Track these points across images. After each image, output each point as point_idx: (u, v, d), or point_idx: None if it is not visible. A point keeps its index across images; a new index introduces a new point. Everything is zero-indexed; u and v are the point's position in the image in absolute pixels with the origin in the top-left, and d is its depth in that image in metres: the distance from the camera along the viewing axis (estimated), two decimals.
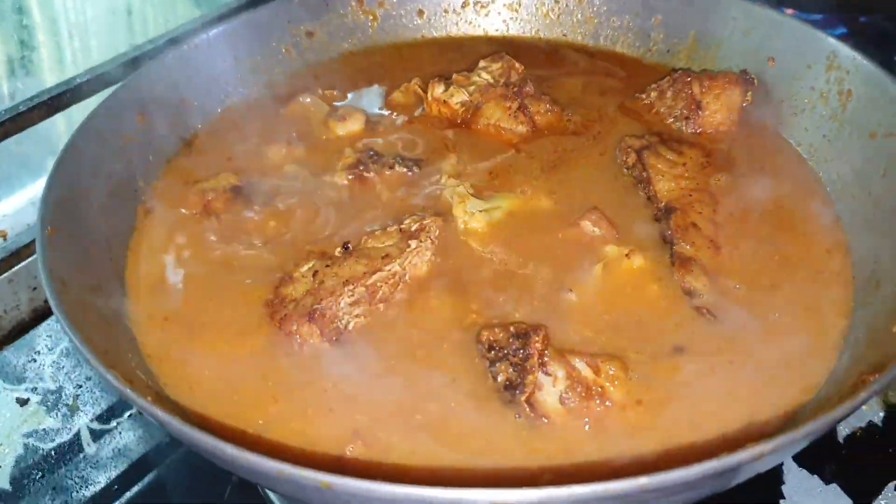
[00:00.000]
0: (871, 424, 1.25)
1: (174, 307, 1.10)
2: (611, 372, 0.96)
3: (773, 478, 1.18)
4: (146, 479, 1.20)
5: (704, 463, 0.65)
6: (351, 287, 1.04)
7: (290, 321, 1.02)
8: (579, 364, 0.96)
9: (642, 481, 0.63)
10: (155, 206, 1.25)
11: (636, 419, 0.93)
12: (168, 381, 1.00)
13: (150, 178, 1.28)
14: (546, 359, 0.96)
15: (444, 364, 1.00)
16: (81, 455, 1.22)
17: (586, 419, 0.93)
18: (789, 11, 2.09)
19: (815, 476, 1.18)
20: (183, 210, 1.24)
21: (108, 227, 1.16)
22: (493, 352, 0.98)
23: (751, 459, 0.67)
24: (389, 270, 1.08)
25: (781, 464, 1.20)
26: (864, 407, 1.27)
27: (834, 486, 1.17)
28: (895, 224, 1.07)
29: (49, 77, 1.81)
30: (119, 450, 1.24)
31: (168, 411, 0.78)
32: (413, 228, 1.15)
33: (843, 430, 1.24)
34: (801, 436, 0.70)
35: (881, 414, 1.26)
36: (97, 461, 1.22)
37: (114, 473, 1.21)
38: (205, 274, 1.15)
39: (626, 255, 1.12)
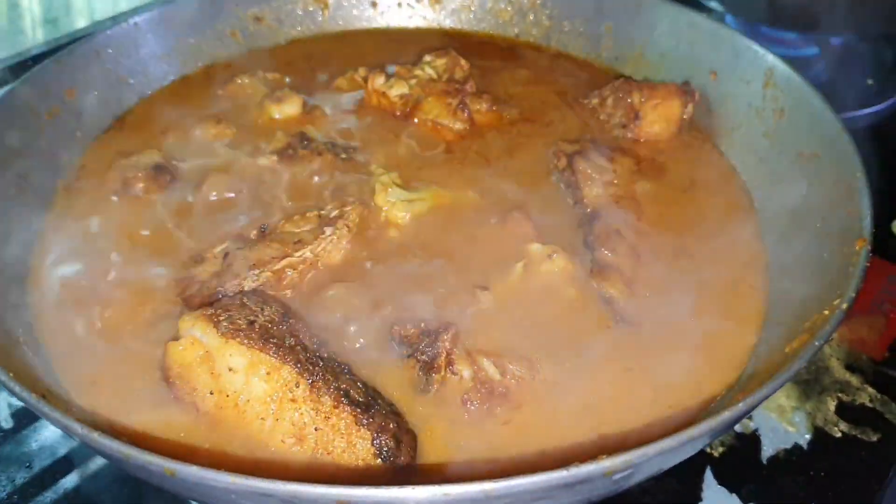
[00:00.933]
0: (796, 446, 1.24)
1: (80, 293, 1.08)
2: (517, 373, 0.96)
3: (692, 493, 1.17)
4: (60, 455, 1.19)
5: (536, 475, 0.65)
6: (256, 272, 1.02)
7: (193, 301, 1.01)
8: (486, 364, 0.96)
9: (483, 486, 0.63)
10: (74, 183, 1.24)
11: (533, 420, 0.93)
12: (64, 376, 0.99)
13: (75, 154, 1.27)
14: (453, 357, 0.96)
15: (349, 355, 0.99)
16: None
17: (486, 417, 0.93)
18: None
19: (734, 495, 1.17)
20: (104, 187, 1.22)
21: (22, 200, 1.15)
22: (403, 347, 0.98)
23: (594, 474, 0.66)
24: (300, 256, 1.06)
25: (702, 479, 1.20)
26: (790, 428, 1.27)
27: None
28: (808, 247, 1.07)
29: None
30: (36, 426, 1.22)
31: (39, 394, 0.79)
32: (332, 215, 1.13)
33: (767, 451, 1.23)
34: (652, 453, 0.69)
35: (807, 437, 1.26)
36: (13, 435, 1.21)
37: (28, 447, 1.20)
38: (116, 253, 1.13)
39: (549, 255, 1.11)
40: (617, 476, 0.69)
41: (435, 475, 0.86)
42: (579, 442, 0.90)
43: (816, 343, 0.81)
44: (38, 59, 1.47)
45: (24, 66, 1.46)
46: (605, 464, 0.65)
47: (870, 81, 2.01)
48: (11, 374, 0.82)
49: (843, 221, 1.02)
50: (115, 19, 1.43)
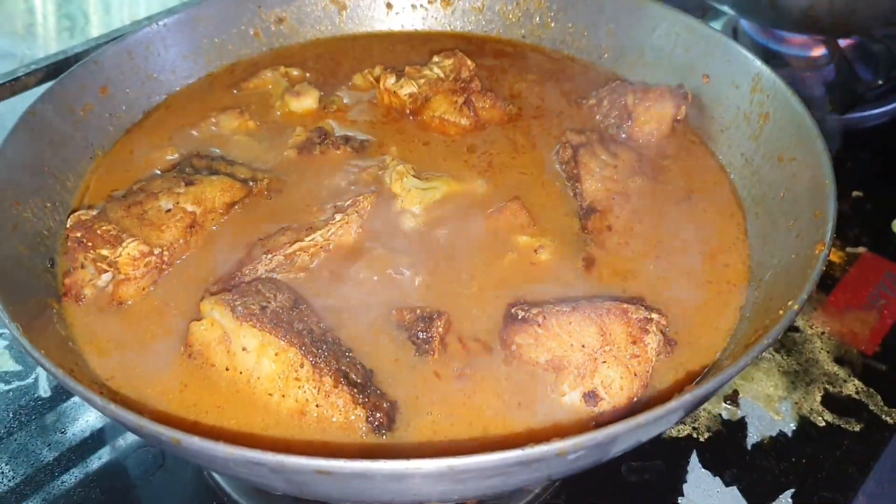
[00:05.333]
0: (780, 434, 1.31)
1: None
2: None
3: (676, 475, 1.25)
4: (91, 423, 1.30)
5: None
6: (269, 256, 1.11)
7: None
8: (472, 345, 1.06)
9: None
10: (105, 176, 1.33)
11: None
12: (92, 359, 1.06)
13: (108, 146, 1.36)
14: (447, 341, 1.05)
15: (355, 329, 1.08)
16: (37, 398, 1.34)
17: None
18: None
19: (717, 478, 1.25)
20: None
21: (55, 194, 1.24)
22: (402, 329, 1.07)
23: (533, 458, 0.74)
24: (311, 241, 1.14)
25: (687, 461, 1.28)
26: (776, 417, 1.33)
27: (733, 489, 1.23)
28: (785, 247, 1.12)
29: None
30: (70, 396, 1.35)
31: (66, 368, 0.88)
32: (346, 205, 1.22)
33: (753, 437, 1.31)
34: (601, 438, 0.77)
35: (792, 425, 1.32)
36: (51, 405, 1.34)
37: (64, 415, 1.32)
38: None
39: (536, 248, 1.18)
40: (572, 456, 0.76)
41: (411, 450, 0.93)
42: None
43: (765, 341, 0.86)
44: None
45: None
46: (557, 445, 0.73)
47: (879, 81, 2.04)
48: (43, 352, 0.90)
49: (811, 224, 1.07)
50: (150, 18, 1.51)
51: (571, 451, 0.75)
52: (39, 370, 1.38)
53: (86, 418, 1.31)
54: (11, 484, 1.21)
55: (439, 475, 0.75)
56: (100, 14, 2.02)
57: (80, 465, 1.24)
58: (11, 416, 1.31)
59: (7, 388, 1.35)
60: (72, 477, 1.22)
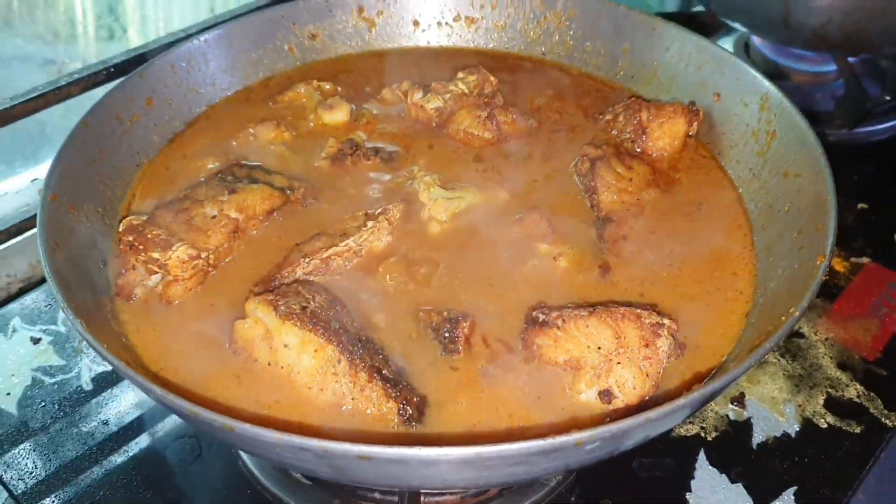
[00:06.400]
0: (784, 434, 1.36)
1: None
2: None
3: (684, 472, 1.30)
4: (131, 415, 1.38)
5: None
6: (307, 259, 1.19)
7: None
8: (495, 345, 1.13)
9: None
10: (150, 182, 1.39)
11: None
12: (143, 352, 1.12)
13: (152, 155, 1.43)
14: (472, 342, 1.12)
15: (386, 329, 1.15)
16: (80, 391, 1.42)
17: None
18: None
19: (724, 475, 1.30)
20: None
21: (105, 199, 1.31)
22: (429, 330, 1.13)
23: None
24: (344, 246, 1.22)
25: (695, 459, 1.34)
26: (780, 418, 1.39)
27: (739, 486, 1.28)
28: (789, 258, 1.17)
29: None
30: (111, 389, 1.42)
31: (124, 358, 0.95)
32: (377, 213, 1.29)
33: (758, 437, 1.36)
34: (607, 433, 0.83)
35: (796, 426, 1.38)
36: (93, 397, 1.41)
37: (105, 407, 1.40)
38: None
39: (555, 256, 1.25)
40: (589, 447, 0.83)
41: (441, 440, 1.00)
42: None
43: (767, 345, 0.92)
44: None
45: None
46: (575, 436, 0.80)
47: (887, 97, 2.11)
48: (105, 345, 0.96)
49: (813, 236, 1.13)
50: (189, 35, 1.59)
51: (588, 441, 0.82)
52: (81, 365, 1.46)
53: (126, 410, 1.38)
54: (57, 471, 1.29)
55: (468, 462, 0.82)
56: (137, 25, 2.11)
57: (122, 454, 1.31)
58: (56, 407, 1.39)
59: (52, 381, 1.43)
60: (113, 465, 1.30)
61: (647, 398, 1.04)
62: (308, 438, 0.81)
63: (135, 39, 2.12)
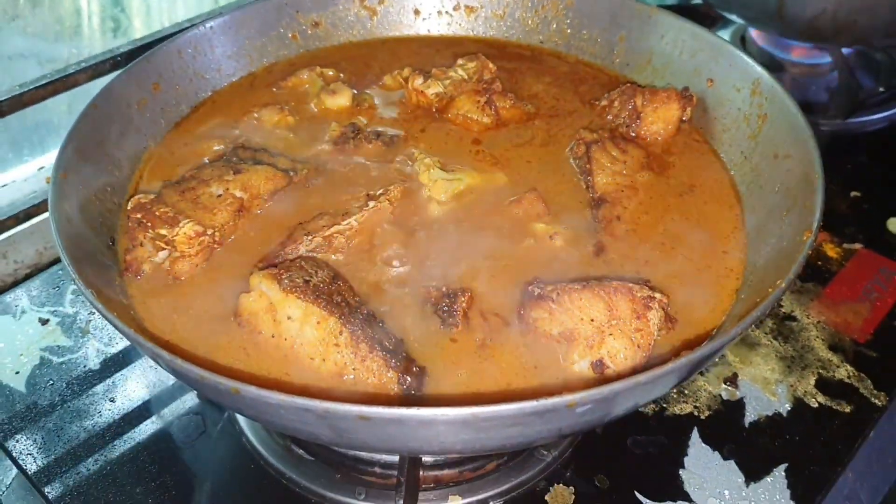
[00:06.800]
0: (776, 413, 1.39)
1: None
2: None
3: (678, 449, 1.34)
4: (137, 393, 1.42)
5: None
6: (310, 237, 1.22)
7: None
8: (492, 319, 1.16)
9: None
10: (157, 163, 1.43)
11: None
12: (151, 326, 1.15)
13: (159, 138, 1.47)
14: (469, 315, 1.16)
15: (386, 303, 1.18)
16: (87, 370, 1.45)
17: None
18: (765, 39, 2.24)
19: (716, 452, 1.33)
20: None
21: (113, 179, 1.34)
22: (428, 304, 1.17)
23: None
24: (346, 225, 1.25)
25: (688, 437, 1.38)
26: (772, 398, 1.42)
27: (731, 463, 1.32)
28: (778, 235, 1.20)
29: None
30: (118, 368, 1.46)
31: (133, 327, 0.98)
32: (378, 193, 1.32)
33: (750, 416, 1.39)
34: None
35: (787, 406, 1.41)
36: (100, 376, 1.45)
37: (112, 386, 1.43)
38: None
39: (551, 235, 1.28)
40: (580, 409, 0.86)
41: (438, 402, 1.03)
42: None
43: (755, 314, 0.95)
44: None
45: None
46: (567, 398, 0.83)
47: (881, 89, 2.14)
48: (115, 314, 0.99)
49: (801, 214, 1.16)
50: (193, 22, 1.63)
51: (580, 403, 0.85)
52: (88, 345, 1.49)
53: (132, 389, 1.42)
54: (67, 448, 1.32)
55: (464, 422, 0.85)
56: (142, 17, 2.14)
57: (129, 432, 1.34)
58: (65, 386, 1.42)
59: (60, 360, 1.47)
60: (121, 443, 1.33)
61: (638, 369, 1.08)
62: (311, 400, 0.84)
63: (140, 32, 2.15)
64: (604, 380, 1.06)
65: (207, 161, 1.39)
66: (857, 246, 1.73)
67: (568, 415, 0.89)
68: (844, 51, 2.11)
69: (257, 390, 0.86)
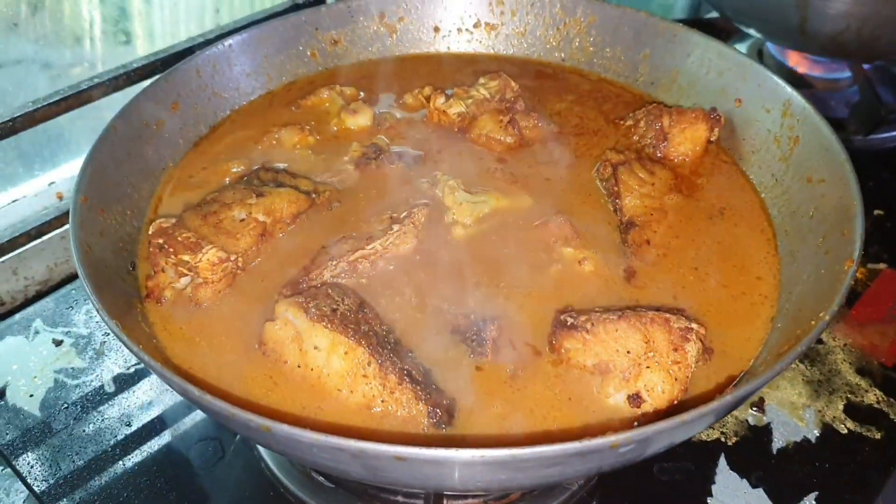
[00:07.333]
0: (804, 439, 1.37)
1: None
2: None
3: (705, 476, 1.31)
4: (154, 416, 1.39)
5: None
6: (334, 262, 1.20)
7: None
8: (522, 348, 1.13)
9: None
10: (176, 185, 1.41)
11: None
12: (173, 354, 1.13)
13: (178, 158, 1.45)
14: (499, 345, 1.13)
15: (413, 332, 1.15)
16: (102, 392, 1.42)
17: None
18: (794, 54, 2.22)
19: (744, 480, 1.31)
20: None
21: (132, 202, 1.32)
22: (457, 333, 1.14)
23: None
24: (371, 249, 1.22)
25: (716, 464, 1.35)
26: (800, 423, 1.40)
27: (759, 491, 1.29)
28: (814, 263, 1.18)
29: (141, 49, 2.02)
30: (133, 391, 1.43)
31: (157, 359, 0.95)
32: (402, 216, 1.29)
33: (778, 443, 1.36)
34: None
35: (816, 432, 1.38)
36: (115, 398, 1.42)
37: (127, 409, 1.40)
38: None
39: (580, 260, 1.25)
40: (623, 449, 0.84)
41: (473, 441, 1.01)
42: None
43: (798, 349, 0.93)
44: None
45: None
46: (611, 438, 0.81)
47: None
48: (140, 346, 0.97)
49: (839, 242, 1.14)
50: (210, 41, 1.61)
51: (623, 444, 0.83)
52: (103, 367, 1.47)
53: (148, 412, 1.39)
54: (80, 470, 1.30)
55: (504, 463, 0.83)
56: (143, 22, 2.11)
57: (144, 456, 1.32)
58: (79, 409, 1.39)
59: (74, 382, 1.44)
60: (136, 466, 1.30)
61: (675, 402, 1.05)
62: (344, 439, 0.82)
63: (142, 38, 2.11)
64: (641, 416, 1.03)
65: (228, 183, 1.36)
66: (882, 266, 1.71)
67: (610, 455, 0.87)
68: (865, 66, 2.08)
69: (290, 428, 0.84)
